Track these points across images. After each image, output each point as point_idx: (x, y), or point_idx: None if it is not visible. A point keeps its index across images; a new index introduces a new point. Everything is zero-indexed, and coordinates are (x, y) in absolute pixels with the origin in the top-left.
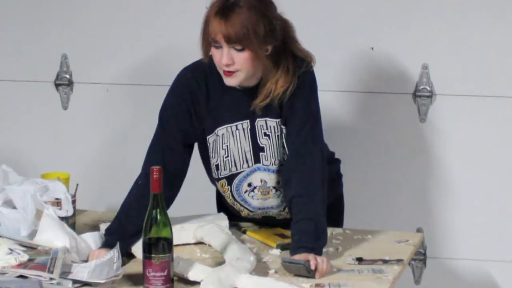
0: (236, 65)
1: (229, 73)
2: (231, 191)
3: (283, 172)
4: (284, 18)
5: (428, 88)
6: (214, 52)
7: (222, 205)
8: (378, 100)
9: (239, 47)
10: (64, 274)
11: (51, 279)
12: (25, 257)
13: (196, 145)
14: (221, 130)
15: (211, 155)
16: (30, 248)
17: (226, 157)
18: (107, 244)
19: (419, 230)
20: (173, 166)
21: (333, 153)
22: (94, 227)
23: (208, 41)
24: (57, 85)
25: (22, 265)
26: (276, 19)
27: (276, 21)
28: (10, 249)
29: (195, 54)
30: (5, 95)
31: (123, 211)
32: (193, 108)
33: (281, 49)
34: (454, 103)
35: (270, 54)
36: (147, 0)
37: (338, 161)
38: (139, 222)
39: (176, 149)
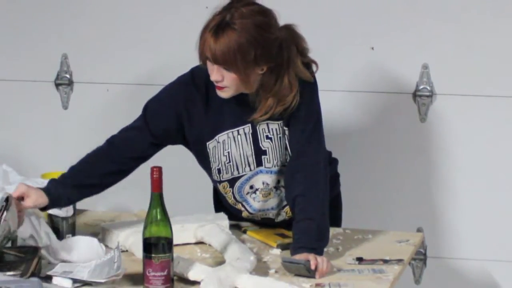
0: (225, 82)
1: (220, 88)
2: (232, 192)
3: (286, 172)
4: (294, 33)
5: (428, 88)
6: (208, 63)
7: (221, 205)
8: (378, 100)
9: (226, 67)
10: (65, 273)
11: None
12: None
13: (165, 150)
14: (222, 137)
15: (212, 160)
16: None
17: (227, 162)
18: (44, 188)
19: (419, 230)
20: (129, 151)
21: (330, 153)
22: (95, 227)
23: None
24: (57, 85)
25: None
26: (274, 40)
27: (274, 42)
28: None
29: (195, 55)
30: (5, 95)
31: (75, 165)
32: (186, 113)
33: (283, 65)
34: (454, 103)
35: (268, 71)
36: (147, 0)
37: (335, 161)
38: (84, 176)
39: (143, 139)
